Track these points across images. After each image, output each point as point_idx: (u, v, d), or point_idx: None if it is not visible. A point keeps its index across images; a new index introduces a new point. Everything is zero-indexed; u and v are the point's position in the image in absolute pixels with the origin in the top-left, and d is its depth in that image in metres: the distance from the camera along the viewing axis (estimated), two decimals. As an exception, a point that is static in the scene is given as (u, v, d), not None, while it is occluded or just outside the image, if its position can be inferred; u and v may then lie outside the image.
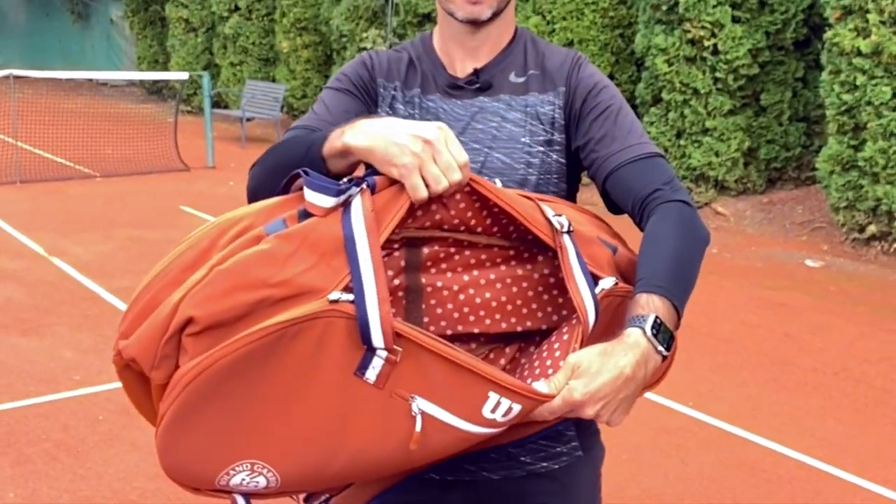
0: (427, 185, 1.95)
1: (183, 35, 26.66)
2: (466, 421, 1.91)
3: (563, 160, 2.56)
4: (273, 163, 2.29)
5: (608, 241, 2.25)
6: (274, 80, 23.02)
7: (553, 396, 1.89)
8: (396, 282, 2.23)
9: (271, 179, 2.22)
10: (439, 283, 2.22)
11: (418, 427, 1.87)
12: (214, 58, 25.51)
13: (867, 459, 6.04)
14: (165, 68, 28.58)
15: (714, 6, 12.61)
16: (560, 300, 2.27)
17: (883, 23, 10.38)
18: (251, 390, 1.83)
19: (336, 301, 1.82)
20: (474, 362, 1.87)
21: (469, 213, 2.15)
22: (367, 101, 2.57)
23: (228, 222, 1.96)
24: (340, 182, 1.99)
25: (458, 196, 2.10)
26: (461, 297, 2.22)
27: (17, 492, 5.59)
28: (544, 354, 2.07)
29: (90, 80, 33.68)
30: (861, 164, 10.92)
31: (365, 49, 17.97)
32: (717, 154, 13.19)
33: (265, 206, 2.01)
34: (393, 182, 1.98)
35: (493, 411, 1.89)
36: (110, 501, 5.50)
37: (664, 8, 13.06)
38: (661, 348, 2.01)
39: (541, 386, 1.90)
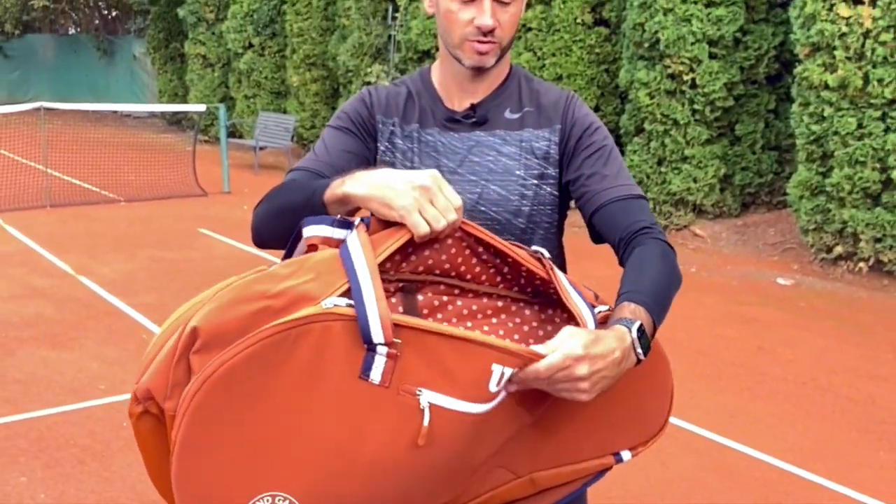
0: (429, 224, 1.95)
1: (201, 70, 26.67)
2: (474, 402, 1.88)
3: (555, 192, 2.60)
4: (277, 205, 2.29)
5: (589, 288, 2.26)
6: (285, 112, 23.00)
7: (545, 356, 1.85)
8: None
9: (274, 220, 2.27)
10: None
11: (426, 421, 1.83)
12: (230, 91, 25.49)
13: (834, 463, 6.05)
14: (184, 101, 28.62)
15: (692, 43, 12.65)
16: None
17: (849, 58, 10.40)
18: (257, 403, 1.78)
19: (331, 306, 1.79)
20: (472, 335, 1.85)
21: (459, 259, 2.15)
22: (365, 138, 2.59)
23: (228, 280, 1.93)
24: (338, 217, 2.02)
25: (449, 241, 2.11)
26: None
27: (48, 493, 5.59)
28: None
29: (115, 111, 33.80)
30: (828, 189, 10.94)
31: (369, 83, 18.00)
32: (695, 180, 13.21)
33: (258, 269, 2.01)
34: (388, 225, 1.98)
35: (497, 384, 1.87)
36: (133, 502, 5.50)
37: (646, 45, 13.09)
38: (639, 351, 2.02)
39: (539, 347, 1.87)
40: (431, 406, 1.84)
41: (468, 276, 2.20)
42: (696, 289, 10.43)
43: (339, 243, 1.98)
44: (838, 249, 11.08)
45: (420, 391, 1.83)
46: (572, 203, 2.66)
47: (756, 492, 5.67)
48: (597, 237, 2.55)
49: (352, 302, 1.81)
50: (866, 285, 10.64)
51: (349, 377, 1.80)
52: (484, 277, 2.21)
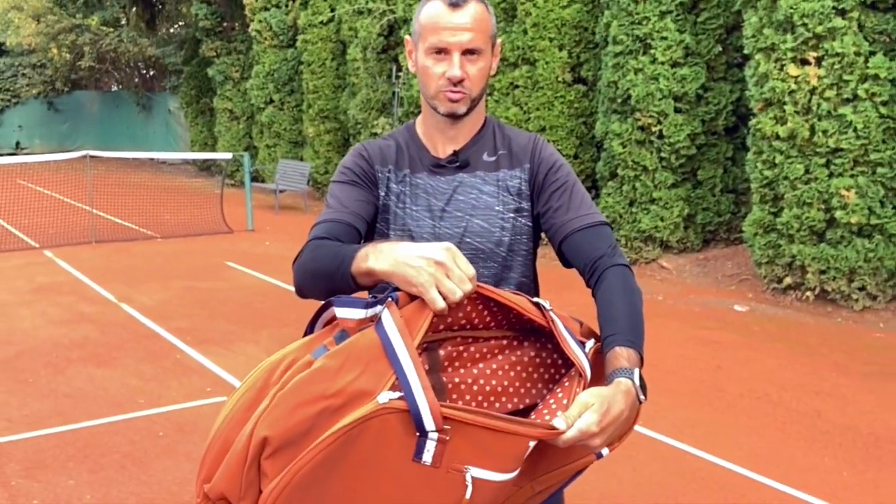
0: (444, 297, 1.95)
1: (227, 122, 26.70)
2: (510, 473, 1.91)
3: (529, 223, 2.65)
4: (311, 270, 2.31)
5: (575, 317, 2.29)
6: (301, 159, 22.97)
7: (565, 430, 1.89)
8: None
9: (312, 282, 2.30)
10: (457, 380, 2.19)
11: (468, 494, 1.86)
12: (253, 141, 25.49)
13: (785, 468, 6.04)
14: (213, 149, 28.64)
15: (660, 99, 12.68)
16: (545, 376, 2.29)
17: (797, 112, 10.43)
18: (327, 493, 1.81)
19: (386, 401, 1.80)
20: (513, 426, 1.86)
21: (473, 314, 2.17)
22: (369, 186, 2.62)
23: (275, 362, 1.96)
24: (367, 298, 2.03)
25: (465, 302, 2.10)
26: (475, 388, 2.21)
27: (93, 494, 5.59)
28: (552, 404, 2.07)
29: (152, 158, 33.82)
30: (779, 227, 10.95)
31: (376, 134, 18.00)
32: (662, 219, 13.21)
33: (303, 343, 2.03)
34: (414, 297, 1.98)
35: (526, 454, 1.91)
36: (168, 503, 5.51)
37: (619, 100, 13.12)
38: (642, 397, 2.08)
39: (559, 423, 1.88)
40: (474, 479, 1.85)
41: (480, 325, 2.22)
42: (663, 315, 10.45)
43: (373, 319, 1.97)
44: (788, 280, 11.09)
45: (467, 468, 1.85)
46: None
47: (716, 493, 5.66)
48: (566, 263, 2.58)
49: (403, 395, 1.81)
50: (812, 312, 10.64)
51: (404, 460, 1.82)
52: (493, 323, 2.23)
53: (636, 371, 2.10)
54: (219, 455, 1.89)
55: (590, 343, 2.21)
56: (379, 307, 1.97)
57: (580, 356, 2.12)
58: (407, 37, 2.67)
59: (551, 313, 2.18)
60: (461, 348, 2.21)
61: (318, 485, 1.79)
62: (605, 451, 2.19)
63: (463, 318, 2.17)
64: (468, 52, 2.49)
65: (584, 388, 2.02)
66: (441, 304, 1.95)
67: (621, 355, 2.14)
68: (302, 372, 1.87)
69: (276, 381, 1.90)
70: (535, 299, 2.22)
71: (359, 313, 2.00)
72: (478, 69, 2.53)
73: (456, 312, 2.15)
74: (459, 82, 2.50)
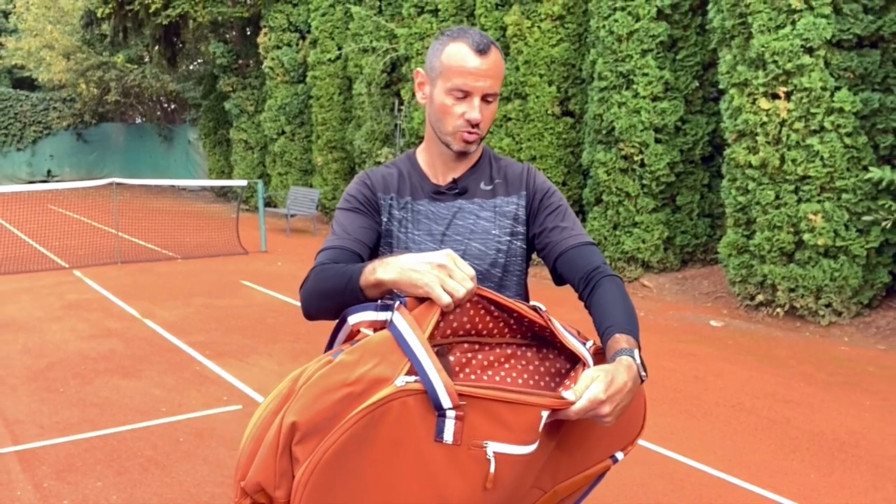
0: (451, 294, 1.97)
1: (243, 152, 26.70)
2: (529, 445, 1.90)
3: (523, 246, 2.65)
4: (320, 289, 2.30)
5: (573, 326, 2.29)
6: (311, 186, 23.00)
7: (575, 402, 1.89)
8: None
9: (319, 302, 2.30)
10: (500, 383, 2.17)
11: (492, 468, 1.85)
12: (266, 169, 25.48)
13: (756, 470, 6.05)
14: (229, 177, 28.66)
15: (641, 130, 12.72)
16: (552, 385, 2.29)
17: (768, 143, 10.47)
18: (357, 475, 1.81)
19: (403, 384, 1.81)
20: (526, 397, 1.87)
21: (477, 318, 2.18)
22: (372, 213, 2.62)
23: (298, 374, 1.95)
24: (377, 302, 2.06)
25: (468, 305, 2.14)
26: None
27: (119, 495, 5.60)
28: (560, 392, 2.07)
29: (173, 186, 33.87)
30: (752, 249, 10.98)
31: (379, 163, 18.03)
32: (643, 241, 13.23)
33: (322, 356, 2.01)
34: (421, 301, 2.00)
35: (542, 426, 1.90)
36: (188, 503, 5.53)
37: (604, 132, 13.16)
38: (643, 373, 2.08)
39: (568, 395, 1.88)
40: (496, 454, 1.85)
41: (484, 332, 2.23)
42: (645, 329, 10.41)
43: (384, 324, 2.00)
44: (760, 298, 11.10)
45: (486, 444, 1.85)
46: (534, 254, 2.71)
47: (693, 494, 5.67)
48: (559, 279, 2.60)
49: (419, 378, 1.82)
50: (782, 326, 10.65)
51: (426, 441, 1.82)
52: (496, 331, 2.24)
53: (636, 351, 2.11)
54: (252, 454, 1.89)
55: (589, 343, 2.21)
56: (389, 313, 2.00)
57: (580, 347, 2.15)
58: (419, 69, 2.65)
59: (547, 314, 2.20)
60: (469, 355, 2.22)
61: (347, 467, 1.79)
62: (619, 455, 2.22)
63: (468, 322, 2.18)
64: (487, 96, 2.50)
65: None
66: (447, 299, 1.96)
67: (620, 340, 2.15)
68: (323, 368, 1.89)
69: (300, 388, 1.89)
70: (533, 303, 2.23)
71: (370, 315, 2.03)
72: (491, 112, 2.54)
73: (461, 317, 2.17)
74: (477, 125, 2.50)
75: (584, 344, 2.20)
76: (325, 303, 2.26)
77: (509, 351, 2.27)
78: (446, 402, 1.80)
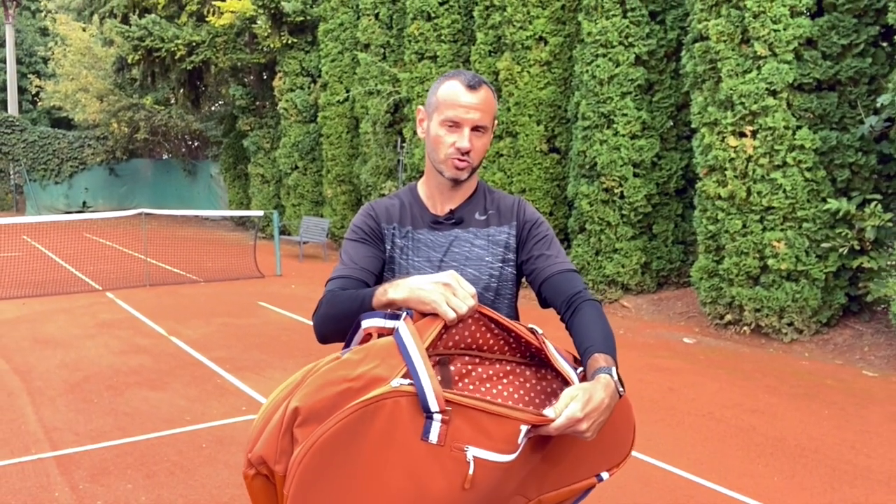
0: (454, 310, 2.04)
1: (260, 185, 26.71)
2: (507, 454, 1.92)
3: (514, 272, 2.67)
4: (335, 313, 2.32)
5: (568, 351, 2.32)
6: (321, 216, 23.02)
7: (554, 419, 1.92)
8: None
9: (334, 324, 2.31)
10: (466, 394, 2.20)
11: (471, 470, 1.88)
12: (281, 201, 25.47)
13: (725, 473, 6.06)
14: (248, 207, 28.65)
15: (621, 165, 12.77)
16: (546, 403, 2.28)
17: (736, 177, 10.51)
18: (348, 462, 1.83)
19: (398, 385, 1.85)
20: (507, 411, 1.91)
21: (478, 334, 2.21)
22: (377, 242, 2.64)
23: (311, 366, 2.00)
24: (388, 312, 2.10)
25: (470, 321, 2.17)
26: None
27: (148, 496, 5.61)
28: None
29: (196, 215, 33.83)
30: (721, 273, 11.01)
31: (384, 194, 18.05)
32: (623, 266, 13.25)
33: (334, 353, 2.05)
34: (425, 316, 2.06)
35: (522, 438, 1.93)
36: (210, 503, 5.54)
37: (587, 167, 13.20)
38: (621, 389, 2.09)
39: (549, 412, 1.91)
40: (475, 458, 1.89)
41: (485, 348, 2.24)
42: (623, 346, 10.48)
43: (391, 331, 2.05)
44: (728, 317, 11.12)
45: (467, 448, 1.88)
46: (523, 279, 2.74)
47: (668, 495, 5.68)
48: (543, 302, 2.61)
49: (412, 381, 1.86)
50: (749, 343, 10.67)
51: (414, 439, 1.85)
52: (496, 347, 2.25)
53: (613, 369, 2.12)
54: (261, 431, 1.94)
55: (580, 369, 2.22)
56: (397, 321, 2.05)
57: (568, 369, 2.17)
58: (420, 107, 2.69)
59: (543, 336, 2.22)
60: (469, 367, 2.24)
61: (339, 452, 1.82)
62: (605, 475, 2.22)
63: (469, 336, 2.20)
64: (476, 128, 2.53)
65: None
66: (452, 314, 2.03)
67: (599, 359, 2.16)
68: (331, 363, 1.94)
69: (309, 377, 1.95)
70: (530, 325, 2.26)
71: (380, 322, 2.08)
72: (482, 143, 2.57)
73: (463, 331, 2.19)
74: (466, 153, 2.53)
75: (576, 370, 2.22)
76: (340, 325, 2.27)
77: (508, 368, 2.28)
78: (434, 406, 1.84)
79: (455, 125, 2.53)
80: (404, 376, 1.88)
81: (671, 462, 6.30)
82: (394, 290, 2.15)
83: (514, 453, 1.93)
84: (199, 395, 8.13)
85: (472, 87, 2.51)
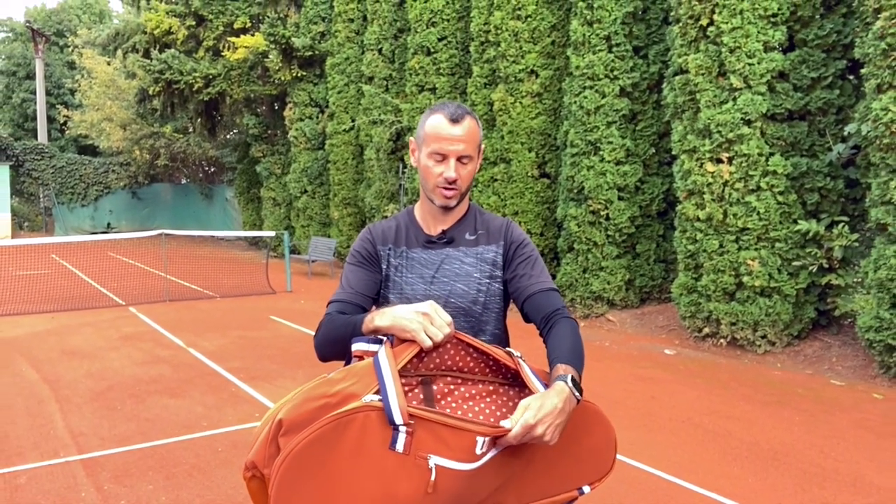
0: (431, 338, 2.10)
1: (272, 208, 26.73)
2: (467, 463, 1.97)
3: (501, 287, 2.70)
4: (331, 337, 2.39)
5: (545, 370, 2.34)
6: (329, 237, 23.01)
7: (511, 429, 1.96)
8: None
9: (331, 346, 2.40)
10: (448, 411, 2.20)
11: (433, 476, 1.93)
12: (291, 222, 25.44)
13: (703, 475, 6.07)
14: (260, 228, 28.69)
15: (607, 189, 12.80)
16: None
17: (713, 200, 10.54)
18: (322, 469, 1.88)
19: (368, 400, 1.92)
20: (464, 424, 1.96)
21: (458, 358, 2.24)
22: (373, 265, 2.69)
23: (302, 386, 2.10)
24: (373, 338, 2.19)
25: (449, 346, 2.20)
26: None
27: (167, 496, 5.62)
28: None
29: (213, 236, 33.79)
30: (700, 289, 11.02)
31: (386, 216, 18.08)
32: (608, 283, 13.26)
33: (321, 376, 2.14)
34: (405, 341, 2.13)
35: (480, 449, 1.97)
36: (226, 503, 5.55)
37: (575, 191, 13.23)
38: (577, 394, 2.11)
39: (506, 423, 1.96)
40: (437, 466, 1.94)
41: (465, 370, 2.26)
42: (609, 358, 10.44)
43: (375, 354, 2.12)
44: (706, 330, 11.13)
45: (429, 456, 1.94)
46: None
47: (650, 495, 5.69)
48: (526, 318, 2.63)
49: (381, 397, 1.94)
50: (725, 354, 10.67)
51: (382, 448, 1.91)
52: (477, 370, 2.27)
53: (569, 376, 2.14)
54: (256, 439, 2.05)
55: None
56: (378, 345, 2.14)
57: (541, 388, 2.17)
58: (411, 139, 2.72)
59: (520, 359, 2.25)
60: (452, 387, 2.25)
61: (314, 459, 1.87)
62: (586, 488, 2.25)
63: (449, 359, 2.23)
64: (461, 158, 2.56)
65: None
66: (428, 342, 2.10)
67: (560, 368, 2.21)
68: (316, 381, 2.04)
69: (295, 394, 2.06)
70: (507, 349, 2.28)
71: (364, 346, 2.17)
72: (467, 171, 2.60)
73: (443, 355, 2.22)
74: (453, 182, 2.56)
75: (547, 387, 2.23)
76: (336, 348, 2.37)
77: (491, 388, 2.29)
78: (398, 419, 1.91)
79: (442, 157, 2.57)
80: (376, 393, 1.96)
81: (653, 465, 6.30)
82: (380, 318, 2.22)
83: (475, 463, 1.99)
84: (215, 403, 8.13)
85: (454, 120, 2.55)
